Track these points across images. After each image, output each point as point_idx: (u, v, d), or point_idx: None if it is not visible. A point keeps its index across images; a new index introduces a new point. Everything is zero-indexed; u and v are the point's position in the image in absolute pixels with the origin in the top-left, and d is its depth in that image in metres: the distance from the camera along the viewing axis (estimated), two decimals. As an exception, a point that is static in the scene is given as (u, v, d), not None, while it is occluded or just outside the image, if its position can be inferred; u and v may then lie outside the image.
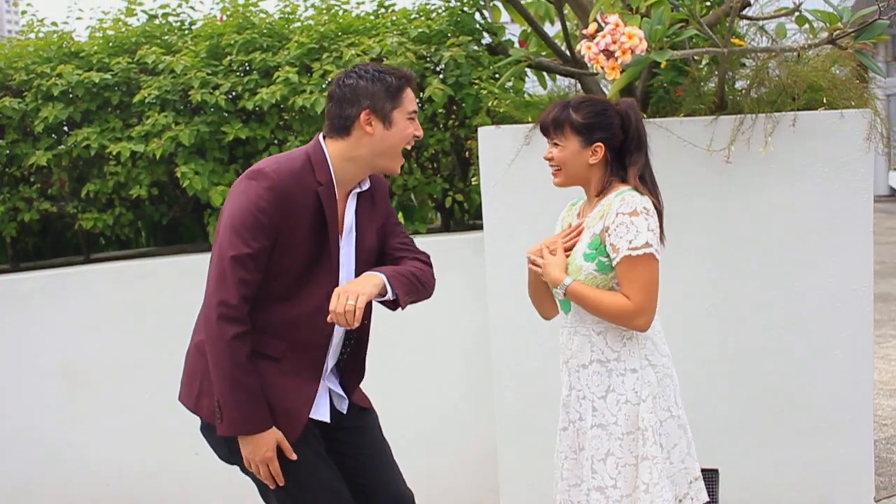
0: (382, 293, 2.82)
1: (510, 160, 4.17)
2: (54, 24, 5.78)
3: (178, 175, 4.94)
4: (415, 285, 2.94)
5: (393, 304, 2.91)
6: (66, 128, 5.38)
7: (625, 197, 2.87)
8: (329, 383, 3.02)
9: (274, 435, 2.83)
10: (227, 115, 5.08)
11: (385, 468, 3.14)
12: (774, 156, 3.97)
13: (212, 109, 5.07)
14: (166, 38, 5.54)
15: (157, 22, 5.66)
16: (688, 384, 4.16)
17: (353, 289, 2.73)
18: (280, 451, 2.85)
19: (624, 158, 2.96)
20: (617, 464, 2.92)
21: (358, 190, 2.94)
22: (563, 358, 3.07)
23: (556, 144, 2.96)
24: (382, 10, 5.59)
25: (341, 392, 3.06)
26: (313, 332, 2.88)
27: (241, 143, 5.18)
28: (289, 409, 2.86)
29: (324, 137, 2.91)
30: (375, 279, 2.80)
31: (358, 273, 2.92)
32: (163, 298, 4.95)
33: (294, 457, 2.85)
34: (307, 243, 2.81)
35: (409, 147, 2.91)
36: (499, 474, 4.38)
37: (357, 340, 3.06)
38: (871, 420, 4.13)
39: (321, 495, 2.93)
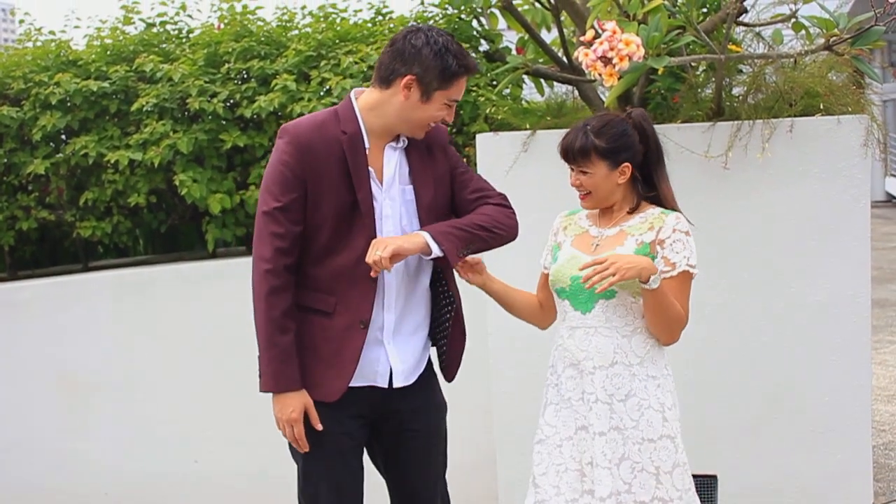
0: (425, 251, 2.81)
1: (508, 167, 4.17)
2: (52, 32, 5.79)
3: (177, 183, 4.95)
4: (474, 235, 2.88)
5: (446, 260, 2.86)
6: (63, 136, 5.39)
7: (679, 217, 2.97)
8: (392, 347, 2.94)
9: (301, 399, 2.81)
10: (225, 122, 5.09)
11: (410, 462, 3.05)
12: (772, 162, 3.98)
13: (210, 117, 5.08)
14: (164, 46, 5.55)
15: (154, 30, 5.67)
16: (685, 390, 4.16)
17: (386, 240, 2.76)
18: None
19: (647, 171, 3.00)
20: (633, 468, 2.88)
21: (394, 144, 2.91)
22: (571, 361, 2.99)
23: (583, 172, 2.95)
24: (380, 18, 5.61)
25: (403, 362, 2.96)
26: (359, 283, 2.84)
27: (240, 151, 5.19)
28: (333, 368, 2.84)
29: (356, 95, 2.91)
30: (417, 237, 2.79)
31: (421, 226, 2.89)
32: (161, 306, 4.96)
33: (320, 427, 2.83)
34: (337, 193, 2.80)
35: (435, 124, 2.89)
36: (497, 482, 4.38)
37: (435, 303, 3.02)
38: (869, 426, 4.13)
39: (322, 483, 2.93)
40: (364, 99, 2.87)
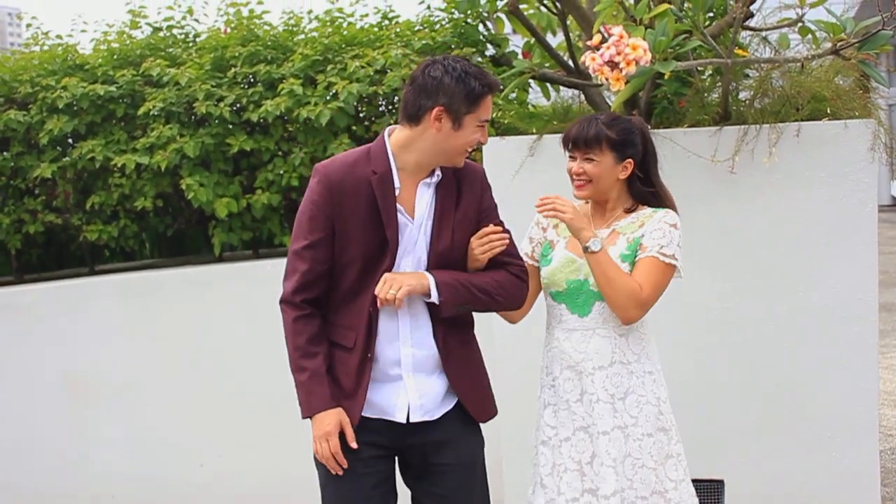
0: (426, 295, 2.84)
1: (514, 171, 4.17)
2: (59, 37, 5.81)
3: (183, 187, 4.96)
4: (474, 297, 2.89)
5: (438, 307, 2.88)
6: (70, 140, 5.41)
7: (669, 211, 3.03)
8: (412, 381, 2.91)
9: (336, 415, 2.84)
10: (231, 127, 5.10)
11: (447, 498, 2.97)
12: (778, 166, 3.97)
13: (216, 121, 5.09)
14: (171, 50, 5.56)
15: (161, 34, 5.69)
16: (693, 394, 4.17)
17: (400, 279, 2.79)
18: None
19: (646, 172, 3.06)
20: (634, 465, 2.94)
21: (428, 180, 2.90)
22: (568, 363, 3.03)
23: (589, 160, 2.98)
24: (386, 23, 5.61)
25: (421, 396, 2.92)
26: (379, 318, 2.88)
27: (246, 155, 5.20)
28: (349, 399, 2.86)
29: (389, 133, 2.92)
30: (423, 280, 2.83)
31: (431, 268, 2.89)
32: (167, 310, 4.96)
33: (355, 445, 2.84)
34: (366, 232, 2.83)
35: (470, 150, 2.88)
36: (504, 489, 4.37)
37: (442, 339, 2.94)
38: (876, 430, 4.12)
39: None
40: (395, 137, 2.88)
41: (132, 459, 4.97)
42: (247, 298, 4.89)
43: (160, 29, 5.71)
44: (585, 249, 2.91)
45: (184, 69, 5.13)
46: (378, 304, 2.80)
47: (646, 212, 3.04)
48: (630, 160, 3.00)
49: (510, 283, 2.97)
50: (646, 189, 3.06)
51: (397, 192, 2.85)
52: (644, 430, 2.96)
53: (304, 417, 2.87)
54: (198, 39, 5.70)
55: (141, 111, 5.08)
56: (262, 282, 4.87)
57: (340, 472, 2.85)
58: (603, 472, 2.93)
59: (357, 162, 2.86)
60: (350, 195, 2.82)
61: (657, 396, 3.01)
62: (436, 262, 2.89)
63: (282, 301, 2.91)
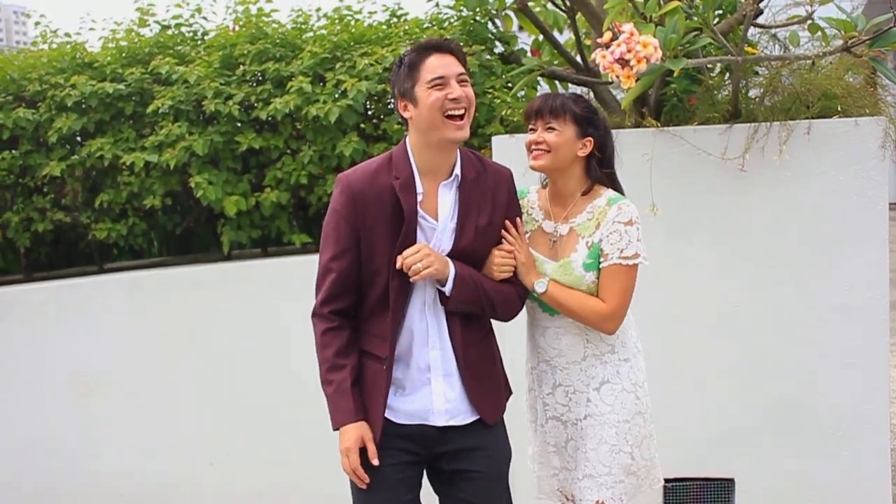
0: (442, 282, 2.84)
1: (524, 169, 4.15)
2: (67, 35, 5.81)
3: (192, 185, 4.96)
4: (480, 301, 2.90)
5: (443, 298, 2.88)
6: (79, 138, 5.40)
7: (621, 206, 2.97)
8: (439, 385, 2.91)
9: (358, 430, 2.83)
10: (240, 125, 5.10)
11: None
12: (789, 164, 3.96)
13: (225, 119, 5.08)
14: (179, 48, 5.57)
15: (170, 33, 5.69)
16: (702, 393, 4.16)
17: (431, 258, 2.78)
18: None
19: (604, 155, 3.04)
20: (611, 450, 2.98)
21: (447, 182, 2.90)
22: (543, 357, 3.11)
23: (551, 129, 2.98)
24: (395, 20, 5.60)
25: (447, 401, 2.92)
26: (415, 325, 2.90)
27: (255, 153, 5.20)
28: (372, 410, 2.86)
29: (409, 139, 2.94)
30: (446, 269, 2.83)
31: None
32: (176, 308, 4.96)
33: (376, 462, 2.84)
34: (392, 240, 2.82)
35: (456, 111, 2.81)
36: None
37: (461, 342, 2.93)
38: (887, 429, 4.11)
39: None
40: (410, 141, 2.91)
41: (141, 458, 4.97)
42: (255, 297, 4.88)
43: (169, 27, 5.71)
44: (533, 292, 2.98)
45: (192, 67, 5.13)
46: (397, 264, 2.79)
47: (600, 203, 3.01)
48: (590, 139, 2.99)
49: (513, 301, 3.00)
50: (603, 171, 3.05)
51: (420, 197, 2.85)
52: (620, 416, 2.99)
53: (333, 430, 2.88)
54: (206, 37, 5.70)
55: (150, 109, 5.08)
56: (271, 280, 4.88)
57: (363, 487, 2.85)
58: (578, 456, 3.05)
59: (379, 170, 2.87)
60: (373, 203, 2.82)
61: (633, 382, 3.04)
62: (453, 258, 2.89)
63: (312, 314, 2.91)
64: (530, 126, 3.06)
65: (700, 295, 4.07)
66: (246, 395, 4.87)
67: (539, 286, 2.96)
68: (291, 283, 4.79)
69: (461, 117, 2.82)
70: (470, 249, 2.90)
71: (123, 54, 5.49)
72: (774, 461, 4.15)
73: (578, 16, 4.83)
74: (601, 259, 2.95)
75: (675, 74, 4.15)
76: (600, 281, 2.95)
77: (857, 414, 4.08)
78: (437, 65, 2.81)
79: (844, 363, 4.07)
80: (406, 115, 2.85)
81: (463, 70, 2.85)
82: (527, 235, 3.09)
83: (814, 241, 4.05)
